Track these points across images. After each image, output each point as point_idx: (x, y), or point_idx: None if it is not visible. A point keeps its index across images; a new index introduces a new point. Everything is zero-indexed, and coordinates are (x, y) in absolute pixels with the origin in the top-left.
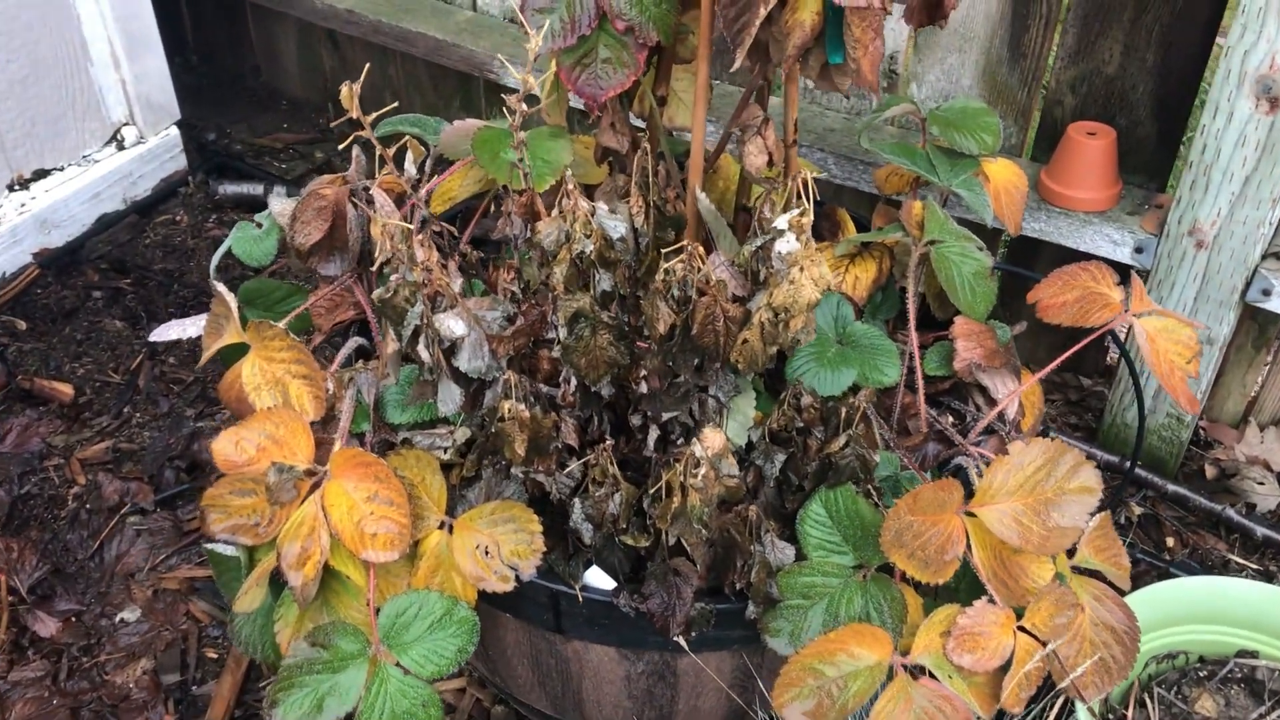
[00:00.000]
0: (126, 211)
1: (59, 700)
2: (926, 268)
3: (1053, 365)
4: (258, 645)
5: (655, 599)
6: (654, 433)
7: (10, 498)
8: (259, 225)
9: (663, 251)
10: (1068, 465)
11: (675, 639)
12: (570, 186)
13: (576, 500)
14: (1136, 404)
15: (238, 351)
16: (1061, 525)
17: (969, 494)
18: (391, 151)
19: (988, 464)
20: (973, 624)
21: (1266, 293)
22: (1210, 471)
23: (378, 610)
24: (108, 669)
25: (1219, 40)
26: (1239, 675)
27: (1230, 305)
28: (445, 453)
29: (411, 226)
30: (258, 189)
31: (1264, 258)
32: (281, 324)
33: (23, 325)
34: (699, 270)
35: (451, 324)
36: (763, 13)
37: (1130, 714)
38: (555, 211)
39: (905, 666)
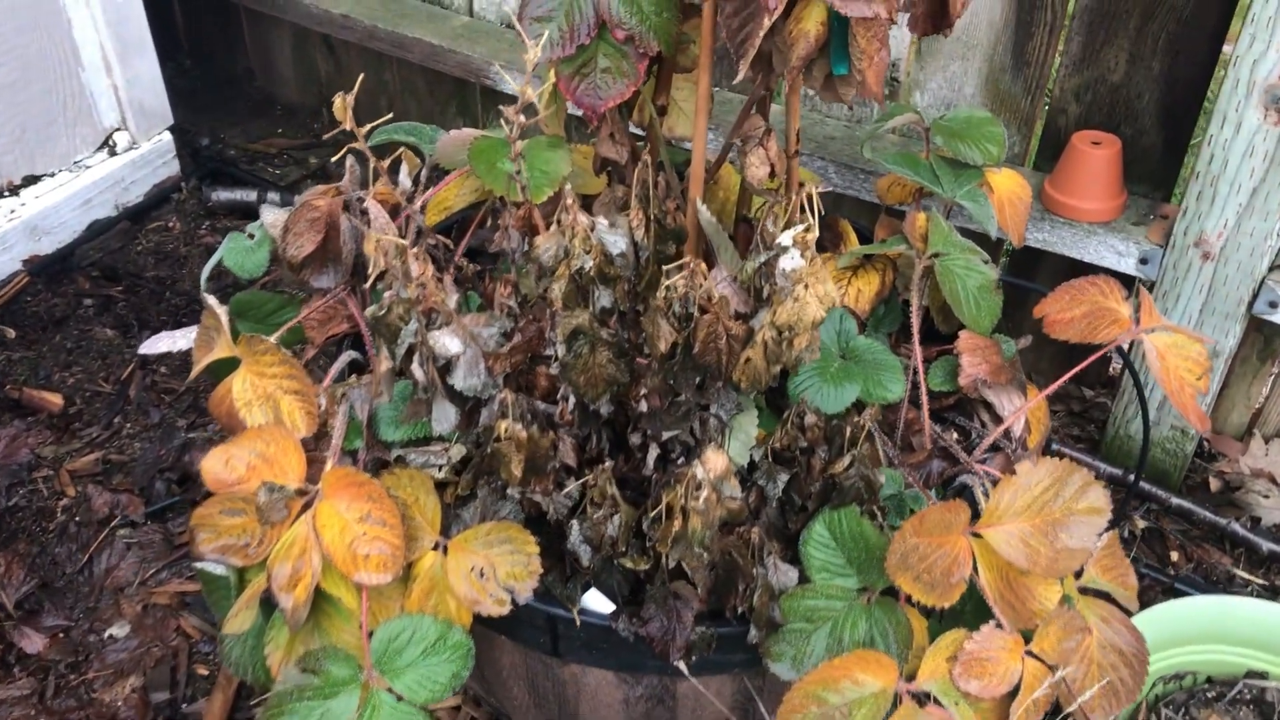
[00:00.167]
0: (118, 218)
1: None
2: (930, 281)
3: (1059, 383)
4: (248, 667)
5: (655, 623)
6: (654, 451)
7: None
8: (251, 236)
9: (664, 268)
10: (1076, 485)
11: (675, 663)
12: (569, 201)
13: (574, 522)
14: (1141, 417)
15: (229, 365)
16: (1070, 547)
17: (975, 514)
18: (386, 163)
19: (994, 482)
20: (980, 649)
21: (1274, 305)
22: (1215, 484)
23: (370, 634)
24: (95, 687)
25: (1226, 49)
26: (1248, 696)
27: (1236, 318)
28: (440, 470)
29: (406, 242)
30: (251, 195)
31: (1271, 270)
32: (273, 338)
33: (12, 333)
34: (700, 287)
35: (447, 341)
36: (766, 23)
37: None
38: (554, 227)
39: (911, 693)
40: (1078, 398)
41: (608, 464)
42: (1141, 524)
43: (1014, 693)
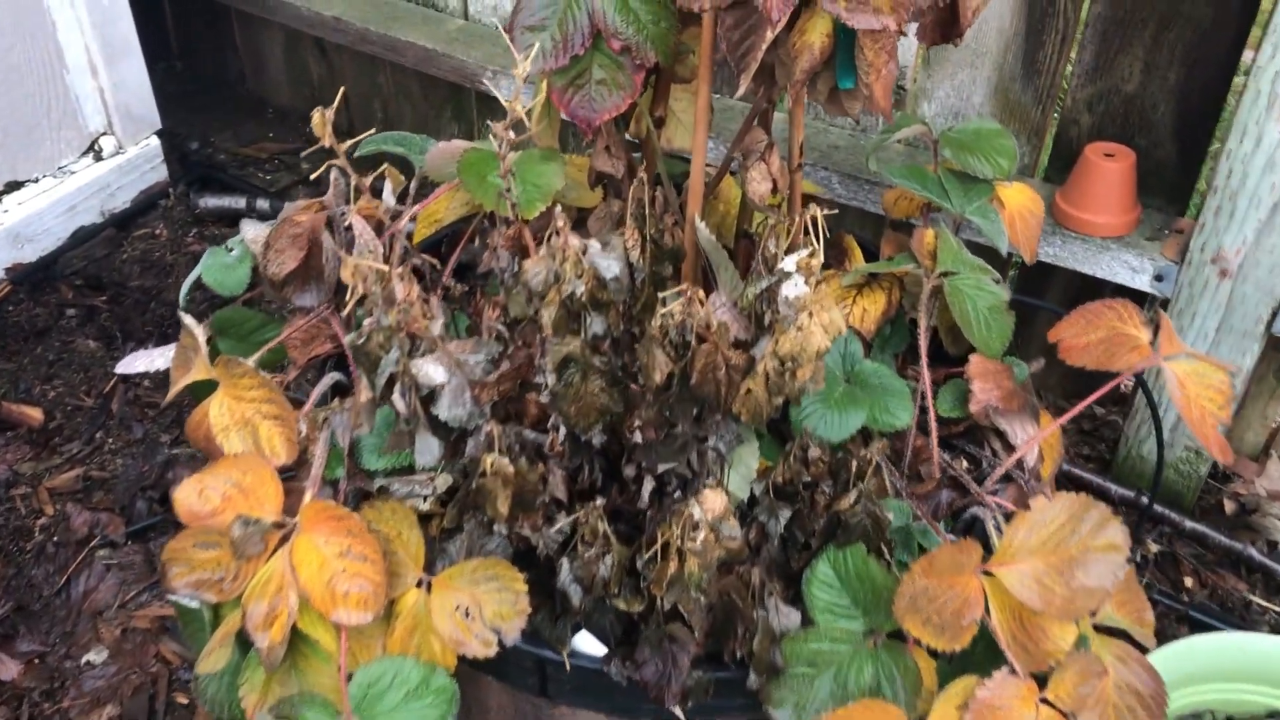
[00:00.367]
0: (104, 225)
1: None
2: (939, 301)
3: (1074, 411)
4: (224, 705)
5: (649, 667)
6: (649, 484)
7: None
8: (231, 251)
9: (660, 295)
10: (1093, 521)
11: (671, 709)
12: (560, 224)
13: (565, 560)
14: (1155, 438)
15: (208, 386)
16: (1087, 586)
17: (986, 548)
18: (369, 180)
19: (1006, 515)
20: (992, 697)
21: None
22: (1230, 507)
23: (349, 677)
24: (71, 716)
25: (1246, 58)
26: None
27: (1255, 337)
28: (425, 501)
29: (385, 267)
30: (240, 202)
31: None
32: (251, 360)
33: None
34: (698, 315)
35: (430, 370)
36: (769, 36)
37: None
38: (543, 249)
39: None
40: (1088, 416)
41: (599, 501)
42: (1154, 548)
43: None
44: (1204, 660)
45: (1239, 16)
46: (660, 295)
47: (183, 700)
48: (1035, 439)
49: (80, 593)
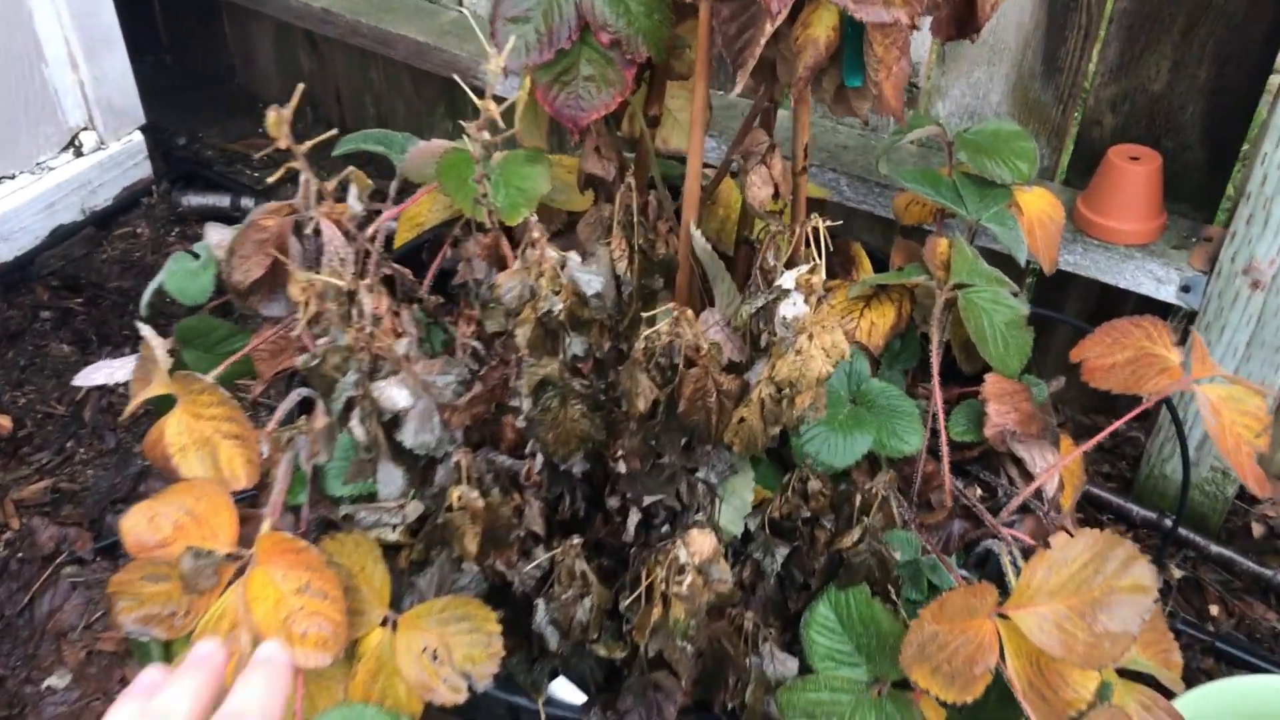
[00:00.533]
0: (84, 223)
1: None
2: (953, 315)
3: (1097, 439)
4: None
5: (632, 716)
6: (634, 517)
7: None
8: (196, 257)
9: (643, 315)
10: (1119, 560)
11: None
12: (536, 234)
13: (540, 601)
14: (1180, 457)
15: (171, 401)
16: (1111, 631)
17: (1001, 586)
18: (332, 184)
19: (1023, 549)
20: None
21: None
22: (1257, 530)
23: None
24: None
25: None
26: None
27: None
28: (394, 530)
29: (341, 282)
30: (224, 200)
31: None
32: (210, 376)
33: None
34: (687, 336)
35: (393, 393)
36: (769, 29)
37: None
38: (518, 262)
39: None
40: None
41: (575, 540)
42: (1178, 573)
43: None
44: (1236, 705)
45: (1275, 10)
46: (644, 314)
47: None
48: (1055, 467)
49: (44, 612)
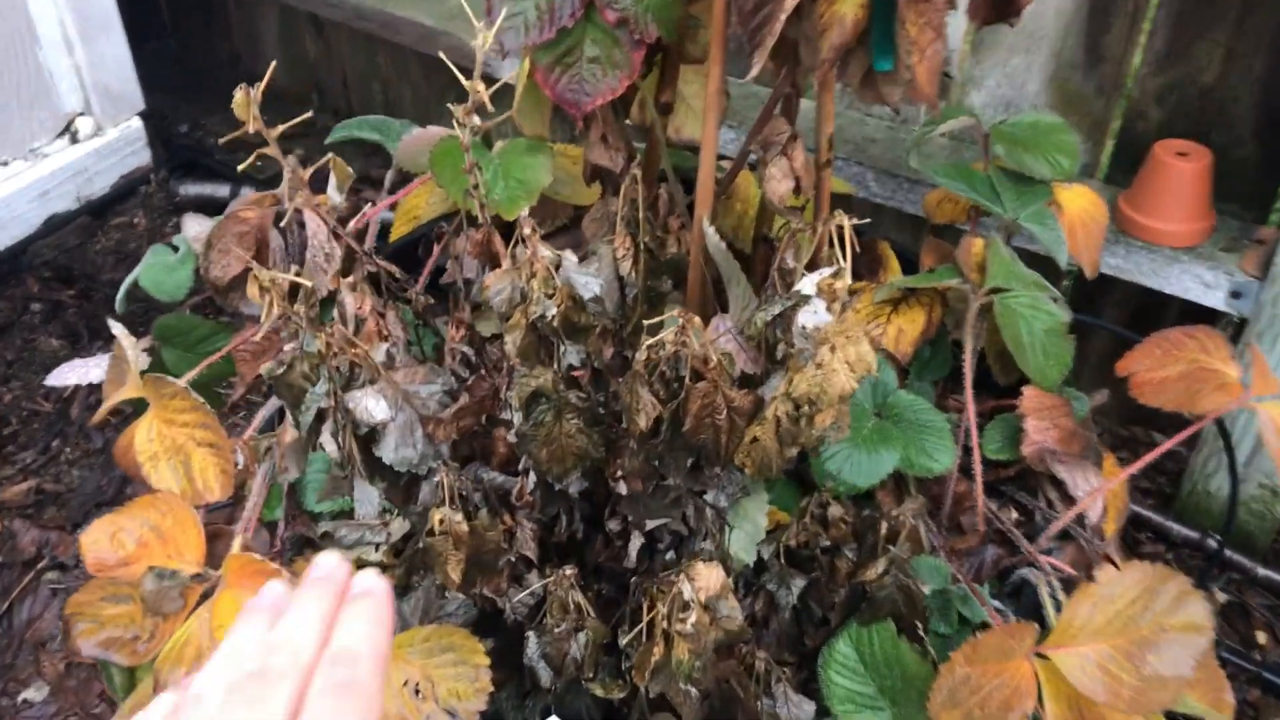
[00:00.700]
0: (78, 212)
1: None
2: (987, 321)
3: (1148, 459)
4: None
5: None
6: (636, 541)
7: None
8: (176, 249)
9: (646, 322)
10: (1170, 596)
11: None
12: (528, 231)
13: (532, 634)
14: (1229, 474)
15: (146, 404)
16: (1160, 674)
17: (1039, 621)
18: (308, 173)
19: (1062, 579)
20: None
21: None
22: None
23: None
24: None
25: None
26: None
27: None
28: (377, 550)
29: (308, 282)
30: (223, 190)
31: None
32: (185, 378)
33: None
34: (694, 346)
35: (370, 405)
36: (789, 5)
37: None
38: (508, 262)
39: None
40: (1147, 444)
41: (568, 571)
42: (1222, 597)
43: None
44: None
45: None
46: (646, 322)
47: None
48: (1099, 491)
49: (23, 620)
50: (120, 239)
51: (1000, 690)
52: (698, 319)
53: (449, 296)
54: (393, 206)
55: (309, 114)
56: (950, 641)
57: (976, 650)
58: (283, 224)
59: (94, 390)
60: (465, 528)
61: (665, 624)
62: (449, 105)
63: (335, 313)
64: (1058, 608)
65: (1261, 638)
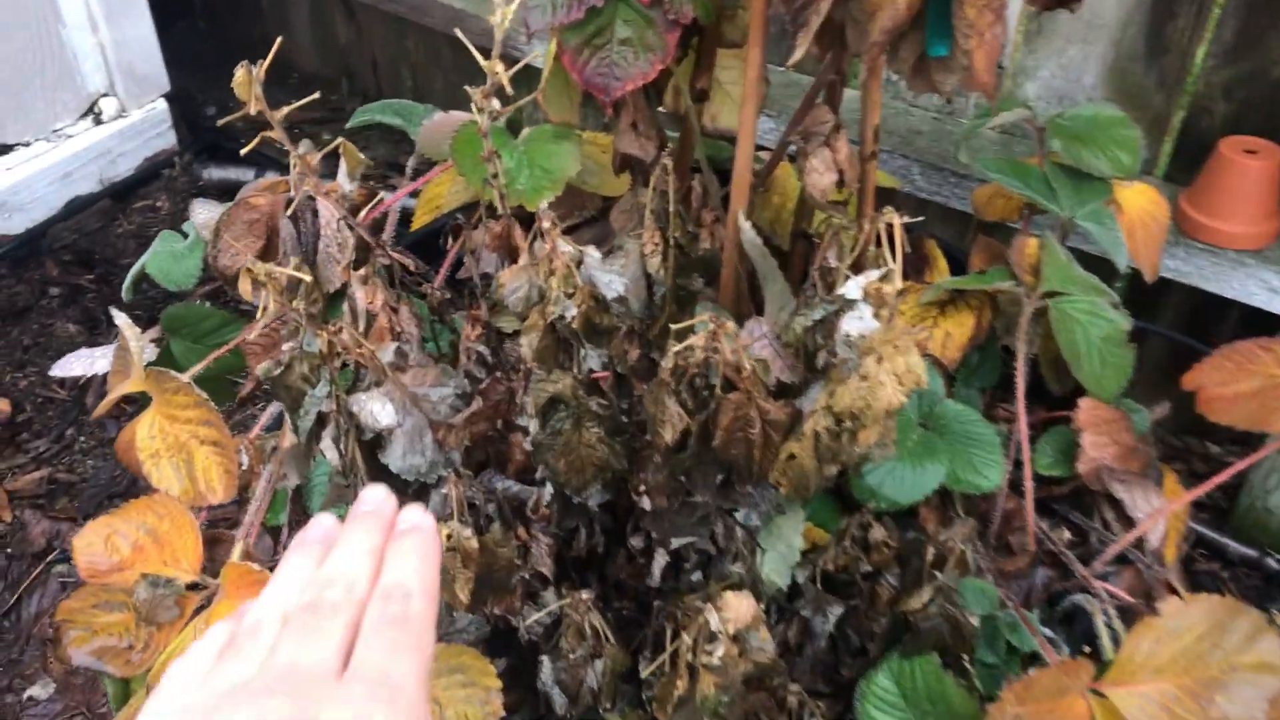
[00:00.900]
0: (101, 195)
1: None
2: (1042, 327)
3: (1218, 480)
4: None
5: None
6: (660, 560)
7: None
8: (185, 236)
9: (673, 326)
10: (1242, 633)
11: None
12: (546, 224)
13: (546, 658)
14: None
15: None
16: (1229, 717)
17: (1093, 653)
18: (316, 157)
19: (1118, 607)
20: None
21: None
22: None
23: None
24: None
25: None
26: None
27: None
28: None
29: (307, 277)
30: (248, 174)
31: None
32: (190, 372)
33: None
34: (726, 354)
35: (376, 409)
36: None
37: None
38: (525, 258)
39: None
40: (1200, 455)
41: (585, 595)
42: None
43: None
44: None
45: None
46: (674, 326)
47: None
48: (1161, 512)
49: (31, 614)
50: (142, 223)
51: None
52: (730, 323)
53: (466, 291)
54: (415, 194)
55: (316, 94)
56: (997, 672)
57: (1029, 689)
58: (293, 212)
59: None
60: (475, 544)
61: (690, 655)
62: (466, 88)
63: (345, 307)
64: (1114, 639)
65: None
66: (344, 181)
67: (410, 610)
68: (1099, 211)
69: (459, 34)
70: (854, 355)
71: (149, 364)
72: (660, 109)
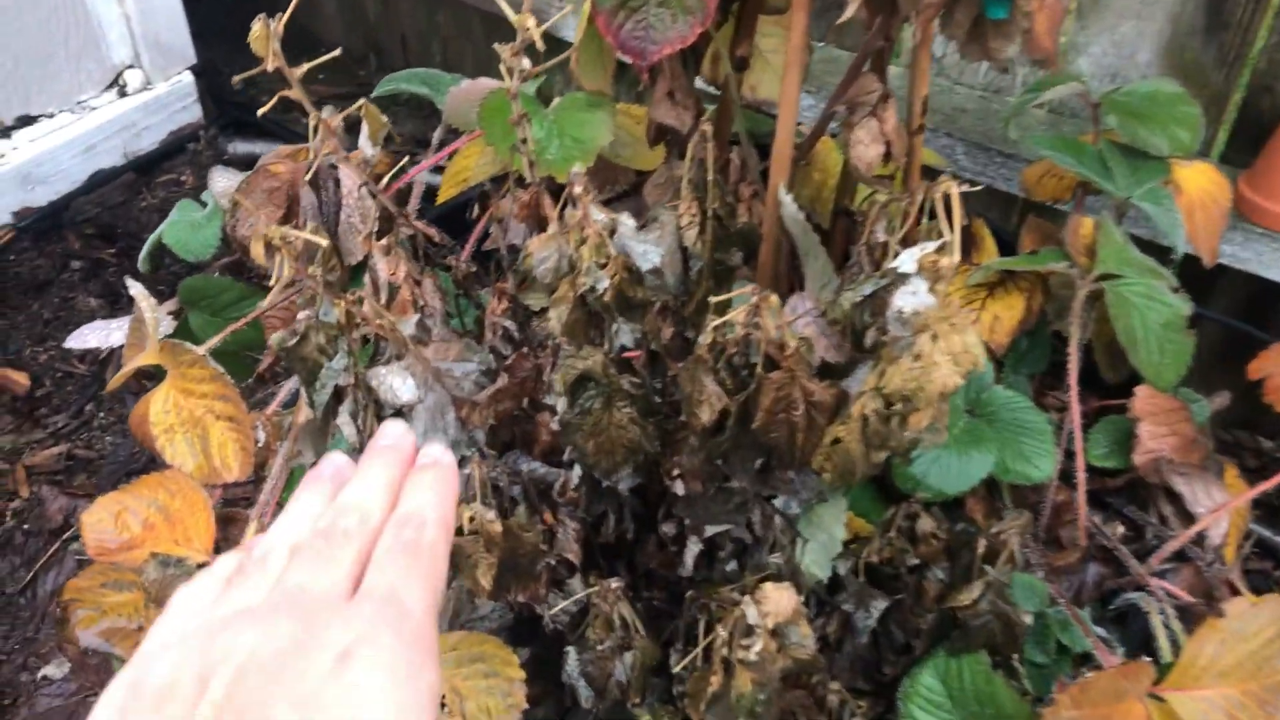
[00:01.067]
0: (124, 168)
1: None
2: (1096, 311)
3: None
4: None
5: None
6: (693, 548)
7: None
8: (204, 205)
9: (713, 300)
10: None
11: None
12: (579, 190)
13: (572, 649)
14: None
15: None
16: None
17: (1151, 654)
18: (336, 119)
19: (1176, 606)
20: None
21: None
22: None
23: None
24: None
25: None
26: None
27: None
28: None
29: (324, 240)
30: (273, 149)
31: None
32: (206, 345)
33: None
34: (768, 330)
35: (395, 384)
36: None
37: None
38: (554, 225)
39: None
40: (1252, 449)
41: (615, 584)
42: None
43: None
44: None
45: None
46: (714, 299)
47: None
48: (1223, 508)
49: (47, 592)
50: (166, 197)
51: None
52: (774, 297)
53: (494, 264)
54: (440, 167)
55: (337, 51)
56: (1047, 672)
57: (1085, 692)
58: (312, 179)
59: None
60: (499, 528)
61: (726, 650)
62: (495, 45)
63: (366, 279)
64: (1172, 640)
65: None
66: (366, 146)
67: (424, 538)
68: (1156, 192)
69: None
70: (907, 333)
71: (166, 337)
72: (697, 79)
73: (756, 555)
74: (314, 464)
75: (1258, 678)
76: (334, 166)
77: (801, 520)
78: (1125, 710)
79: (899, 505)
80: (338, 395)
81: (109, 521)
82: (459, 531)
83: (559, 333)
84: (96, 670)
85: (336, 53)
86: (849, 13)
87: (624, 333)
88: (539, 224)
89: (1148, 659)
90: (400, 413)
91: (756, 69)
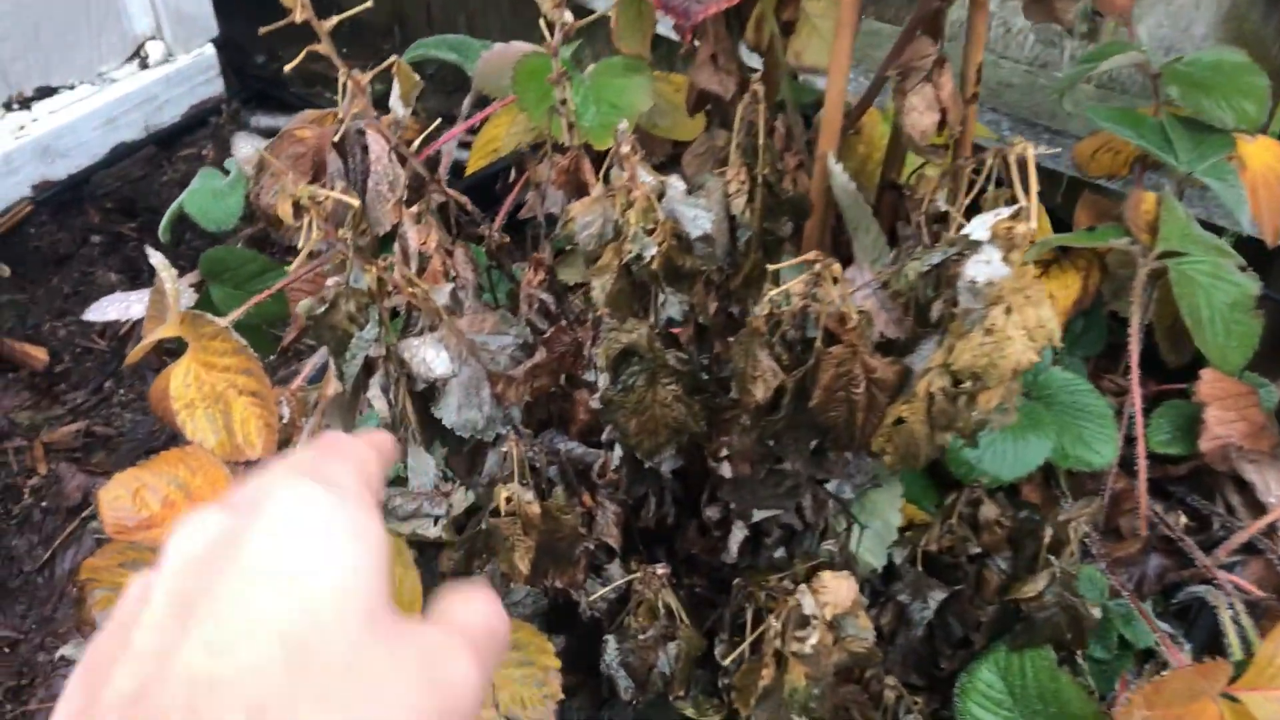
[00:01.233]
0: (145, 141)
1: None
2: (1160, 290)
3: None
4: None
5: None
6: (739, 534)
7: None
8: (227, 173)
9: (771, 268)
10: None
11: None
12: (626, 149)
13: (612, 637)
14: None
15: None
16: None
17: (1216, 650)
18: (366, 77)
19: (1245, 601)
20: None
21: None
22: None
23: None
24: None
25: None
26: None
27: None
28: (436, 524)
29: (355, 201)
30: None
31: None
32: (229, 318)
33: (6, 271)
34: (829, 301)
35: (429, 356)
36: None
37: None
38: (598, 189)
39: None
40: None
41: (659, 569)
42: None
43: None
44: None
45: None
46: (770, 267)
47: None
48: None
49: (65, 571)
50: (187, 171)
51: None
52: (836, 264)
53: (528, 236)
54: (466, 142)
55: (368, 4)
56: (1108, 669)
57: (1159, 692)
58: (338, 144)
59: None
60: (537, 509)
61: (778, 642)
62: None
63: (395, 248)
64: (1241, 636)
65: None
66: (397, 107)
67: (344, 444)
68: (1220, 166)
69: None
70: (979, 306)
71: (187, 309)
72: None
73: (805, 542)
74: None
75: None
76: (361, 132)
77: (854, 506)
78: (1199, 710)
79: (960, 491)
80: (368, 368)
81: (127, 499)
82: (496, 513)
83: (601, 304)
84: None
85: (368, 3)
86: None
87: (671, 305)
88: (579, 190)
89: (1221, 658)
90: (433, 387)
91: (803, 33)
